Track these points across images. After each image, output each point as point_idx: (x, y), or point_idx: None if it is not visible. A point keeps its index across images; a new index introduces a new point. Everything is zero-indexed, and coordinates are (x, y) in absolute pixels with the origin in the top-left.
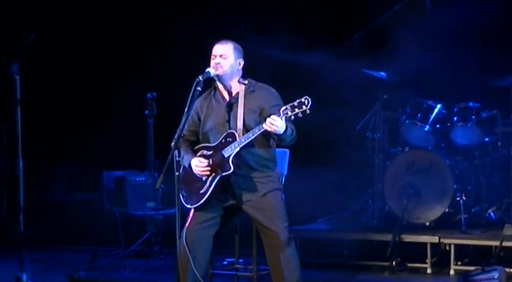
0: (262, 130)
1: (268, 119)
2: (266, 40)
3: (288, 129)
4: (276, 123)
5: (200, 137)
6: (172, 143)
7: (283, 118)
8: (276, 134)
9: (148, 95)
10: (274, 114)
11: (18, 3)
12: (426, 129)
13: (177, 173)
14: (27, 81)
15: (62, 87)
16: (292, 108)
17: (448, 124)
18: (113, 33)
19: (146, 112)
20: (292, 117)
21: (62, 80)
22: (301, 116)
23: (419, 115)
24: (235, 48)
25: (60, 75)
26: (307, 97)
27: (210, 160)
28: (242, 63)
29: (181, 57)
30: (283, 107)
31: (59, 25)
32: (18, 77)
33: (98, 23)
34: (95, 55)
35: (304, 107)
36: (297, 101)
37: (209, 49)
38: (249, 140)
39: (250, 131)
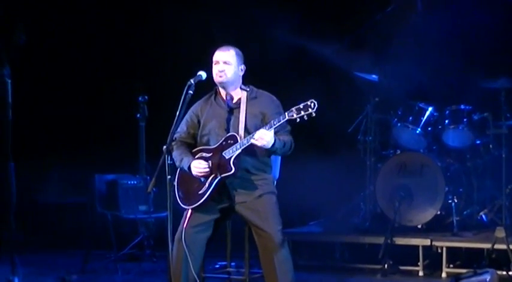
0: (248, 143)
1: (257, 133)
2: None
3: (277, 142)
4: (266, 138)
5: (198, 139)
6: (164, 147)
7: (272, 131)
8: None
9: (140, 98)
10: (265, 126)
11: (9, 6)
12: (418, 131)
13: (168, 177)
14: (19, 83)
15: (54, 90)
16: (298, 111)
17: (440, 126)
18: (104, 37)
19: (138, 115)
20: (298, 119)
21: (54, 83)
22: (306, 119)
23: (410, 118)
24: (237, 54)
25: (52, 78)
26: (313, 100)
27: (210, 162)
28: (244, 69)
29: (173, 60)
30: (289, 110)
31: (51, 28)
32: (9, 81)
33: (89, 26)
34: (86, 58)
35: (310, 109)
36: (303, 103)
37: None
38: (249, 143)
39: (245, 138)
